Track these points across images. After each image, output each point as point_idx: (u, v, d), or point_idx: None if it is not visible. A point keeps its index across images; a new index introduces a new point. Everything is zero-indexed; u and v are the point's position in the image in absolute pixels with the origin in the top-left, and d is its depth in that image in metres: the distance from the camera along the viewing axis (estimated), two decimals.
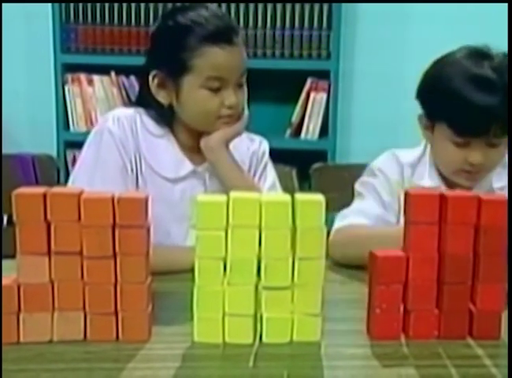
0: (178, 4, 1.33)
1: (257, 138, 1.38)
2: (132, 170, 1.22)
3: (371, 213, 1.25)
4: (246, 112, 1.25)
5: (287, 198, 0.83)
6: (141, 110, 1.26)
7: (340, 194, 1.48)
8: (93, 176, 1.19)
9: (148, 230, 0.84)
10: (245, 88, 1.25)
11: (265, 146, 1.38)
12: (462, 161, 1.19)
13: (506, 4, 2.34)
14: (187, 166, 1.26)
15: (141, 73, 1.27)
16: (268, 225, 0.82)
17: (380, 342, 0.87)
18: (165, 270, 1.05)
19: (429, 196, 0.88)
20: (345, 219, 1.27)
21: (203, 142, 1.23)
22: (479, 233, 0.87)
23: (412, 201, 0.87)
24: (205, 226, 0.82)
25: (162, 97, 1.22)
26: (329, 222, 2.10)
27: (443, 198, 0.87)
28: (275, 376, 0.77)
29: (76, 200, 0.81)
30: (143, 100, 1.27)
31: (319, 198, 0.83)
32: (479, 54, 1.23)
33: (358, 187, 1.34)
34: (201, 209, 0.82)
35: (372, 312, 0.88)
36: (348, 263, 1.16)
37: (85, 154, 1.23)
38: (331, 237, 1.31)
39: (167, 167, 1.24)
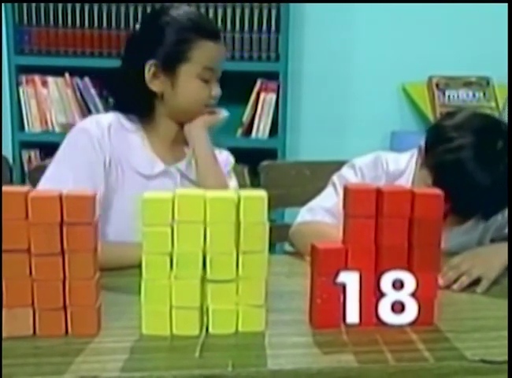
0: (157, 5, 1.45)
1: (225, 152, 1.48)
2: (105, 166, 1.26)
3: (338, 210, 1.29)
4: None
5: (230, 194, 0.87)
6: (119, 114, 1.33)
7: (287, 191, 1.53)
8: (64, 170, 1.23)
9: (96, 227, 0.86)
10: None
11: (231, 159, 1.48)
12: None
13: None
14: (159, 165, 1.32)
15: (119, 72, 1.34)
16: (213, 220, 0.85)
17: (321, 330, 0.90)
18: (114, 266, 1.07)
19: (366, 191, 0.92)
20: (311, 214, 1.32)
21: (187, 127, 1.33)
22: (413, 225, 0.91)
23: (350, 195, 0.91)
24: (151, 222, 0.84)
25: (156, 85, 1.29)
26: (280, 217, 2.16)
27: (379, 192, 0.91)
28: (220, 366, 0.79)
29: (23, 198, 0.82)
30: (122, 101, 1.34)
31: (262, 194, 0.86)
32: None
33: (335, 177, 1.40)
34: (147, 206, 0.84)
35: (313, 302, 0.91)
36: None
37: (59, 150, 1.28)
38: (292, 228, 1.37)
39: (142, 164, 1.30)
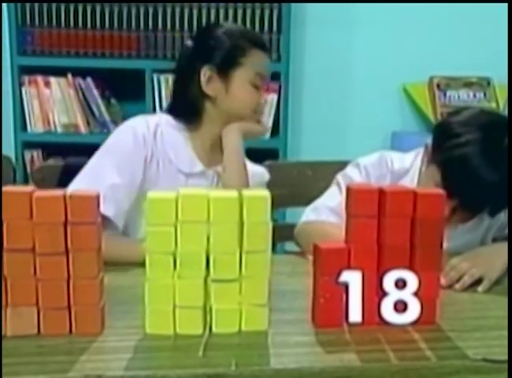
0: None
1: (262, 168, 1.55)
2: (146, 161, 1.33)
3: (342, 210, 1.30)
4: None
5: (234, 193, 0.87)
6: (168, 115, 1.41)
7: (289, 191, 1.54)
8: (107, 159, 1.31)
9: (99, 226, 0.87)
10: None
11: (266, 175, 1.54)
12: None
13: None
14: (198, 166, 1.39)
15: (178, 76, 1.43)
16: (216, 220, 0.85)
17: (323, 329, 0.91)
18: (117, 261, 1.10)
19: (369, 191, 0.92)
20: (315, 213, 1.33)
21: (225, 129, 1.39)
22: (415, 225, 0.92)
23: (352, 195, 0.92)
24: (155, 222, 0.85)
25: (211, 89, 1.37)
26: (281, 217, 2.16)
27: (381, 192, 0.92)
28: (224, 365, 0.79)
29: (27, 198, 0.83)
30: (175, 103, 1.43)
31: (265, 194, 0.87)
32: None
33: (339, 176, 1.42)
34: (151, 206, 0.85)
35: (316, 301, 0.92)
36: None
37: (106, 142, 1.35)
38: (297, 227, 1.38)
39: (183, 161, 1.37)
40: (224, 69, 1.37)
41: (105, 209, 1.21)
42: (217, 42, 1.38)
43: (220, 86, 1.37)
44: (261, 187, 1.47)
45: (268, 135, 2.44)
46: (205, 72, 1.36)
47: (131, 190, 1.29)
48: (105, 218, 1.24)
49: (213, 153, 1.41)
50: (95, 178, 1.27)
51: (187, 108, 1.40)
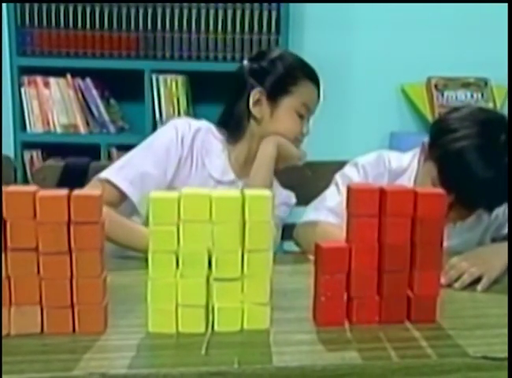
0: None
1: (291, 192, 1.54)
2: (180, 161, 1.37)
3: (341, 209, 1.31)
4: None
5: (236, 193, 0.87)
6: (211, 124, 1.45)
7: (291, 191, 1.54)
8: (146, 150, 1.37)
9: (102, 226, 0.87)
10: None
11: (293, 199, 1.53)
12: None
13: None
14: (230, 175, 1.41)
15: (232, 94, 1.45)
16: (219, 220, 0.86)
17: (325, 328, 0.91)
18: (116, 242, 1.15)
19: (370, 190, 0.93)
20: (315, 213, 1.34)
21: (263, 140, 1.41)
22: (415, 224, 0.92)
23: (353, 195, 0.92)
24: (158, 221, 0.85)
25: (257, 111, 1.41)
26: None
27: (382, 192, 0.92)
28: (226, 363, 0.80)
29: (31, 198, 0.83)
30: (222, 116, 1.46)
31: (266, 193, 0.88)
32: None
33: (337, 176, 1.43)
34: (154, 205, 0.85)
35: (317, 300, 0.92)
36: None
37: (149, 137, 1.41)
38: (297, 228, 1.39)
39: (216, 168, 1.41)
40: (274, 95, 1.40)
41: (132, 193, 1.29)
42: (271, 65, 1.41)
43: (266, 109, 1.40)
44: (285, 207, 1.49)
45: None
46: (254, 94, 1.39)
47: (159, 184, 1.31)
48: (130, 203, 1.30)
49: (247, 166, 1.42)
50: (129, 163, 1.33)
51: (232, 122, 1.43)
